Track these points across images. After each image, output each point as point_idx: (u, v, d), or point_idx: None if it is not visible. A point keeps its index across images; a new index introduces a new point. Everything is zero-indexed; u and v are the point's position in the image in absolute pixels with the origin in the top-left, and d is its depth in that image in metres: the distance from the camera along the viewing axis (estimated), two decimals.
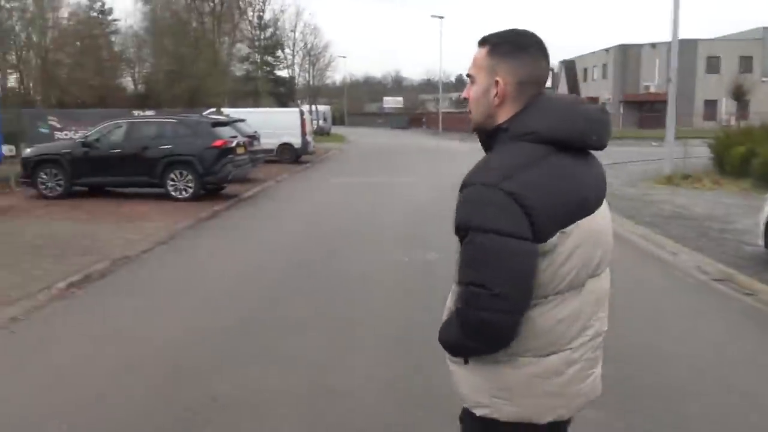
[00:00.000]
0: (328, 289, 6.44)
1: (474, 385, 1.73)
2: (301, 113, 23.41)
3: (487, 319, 1.57)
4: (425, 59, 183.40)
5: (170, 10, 46.12)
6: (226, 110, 21.82)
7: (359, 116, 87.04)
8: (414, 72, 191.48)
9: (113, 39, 51.26)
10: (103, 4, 51.41)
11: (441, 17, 52.21)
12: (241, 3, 20.50)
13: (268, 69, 49.21)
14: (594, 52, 54.77)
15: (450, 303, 1.77)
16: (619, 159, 23.51)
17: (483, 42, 1.76)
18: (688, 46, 47.61)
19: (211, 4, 18.14)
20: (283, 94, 46.23)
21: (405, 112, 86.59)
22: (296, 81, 41.75)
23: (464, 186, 1.63)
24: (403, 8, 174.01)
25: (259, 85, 42.12)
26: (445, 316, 1.78)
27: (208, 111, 23.04)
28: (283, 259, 7.97)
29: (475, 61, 1.75)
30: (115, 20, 52.50)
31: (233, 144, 13.15)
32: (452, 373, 1.80)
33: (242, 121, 16.20)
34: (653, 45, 49.12)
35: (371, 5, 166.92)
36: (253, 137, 15.96)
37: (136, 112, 26.03)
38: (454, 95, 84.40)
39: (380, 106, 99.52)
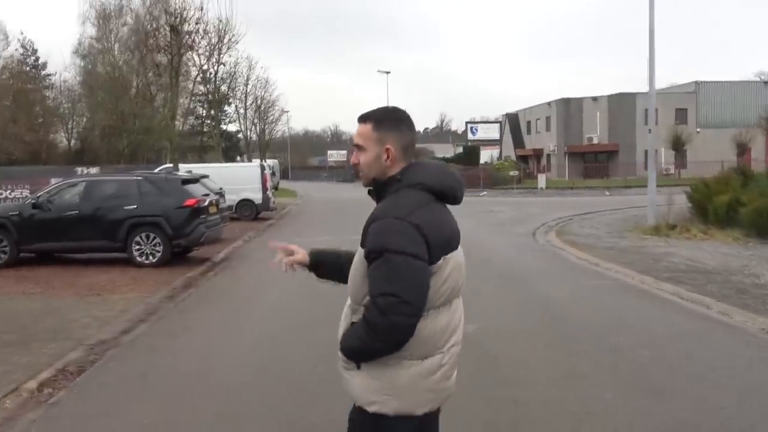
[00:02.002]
0: None
1: (366, 386, 2.11)
2: (262, 168, 22.27)
3: (398, 322, 2.00)
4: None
5: (110, 65, 44.51)
6: (184, 166, 20.43)
7: (303, 170, 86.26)
8: (353, 126, 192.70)
9: (47, 94, 49.04)
10: (37, 59, 49.39)
11: (387, 72, 52.69)
12: (195, 55, 19.69)
13: (213, 123, 47.92)
14: (537, 105, 56.16)
15: (348, 319, 2.17)
16: (584, 209, 23.43)
17: (365, 119, 2.23)
18: (628, 100, 49.55)
19: (166, 58, 17.19)
20: (229, 148, 44.85)
21: (348, 165, 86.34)
22: (247, 135, 40.52)
23: (375, 219, 2.06)
24: (338, 61, 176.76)
25: (209, 139, 40.72)
26: (342, 329, 2.18)
27: (163, 167, 21.65)
28: (291, 328, 6.80)
29: (363, 134, 2.21)
30: (48, 75, 50.38)
31: (206, 203, 11.92)
32: (345, 379, 2.19)
33: (206, 177, 14.96)
34: (594, 98, 50.77)
35: (303, 59, 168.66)
36: (220, 194, 14.73)
37: (79, 169, 24.40)
38: None
39: (322, 159, 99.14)
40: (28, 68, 47.87)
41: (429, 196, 2.13)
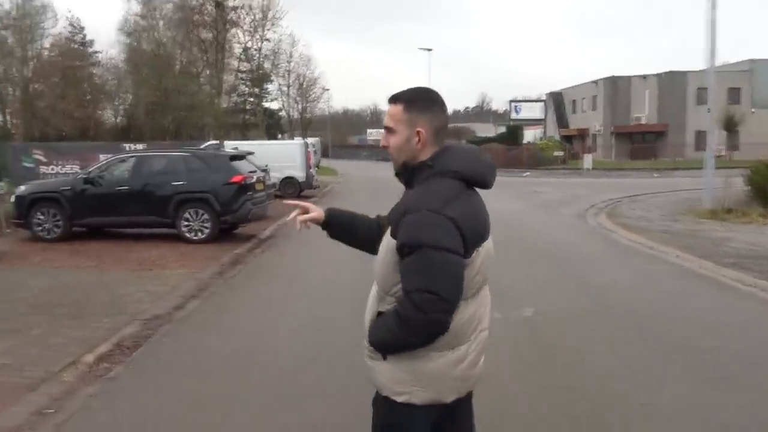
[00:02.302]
0: None
1: (393, 377, 2.11)
2: (305, 145, 22.23)
3: (435, 319, 1.97)
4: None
5: (154, 42, 45.02)
6: (228, 143, 20.52)
7: (342, 149, 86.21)
8: None
9: (94, 71, 49.95)
10: (84, 36, 50.22)
11: (429, 50, 51.81)
12: (239, 32, 19.58)
13: (256, 101, 48.18)
14: (583, 84, 54.73)
15: (374, 307, 2.16)
16: (633, 191, 22.77)
17: (395, 100, 2.16)
18: (679, 78, 47.87)
19: (211, 34, 17.11)
20: (271, 125, 45.04)
21: None
22: (290, 113, 40.57)
23: (409, 211, 2.00)
24: (377, 39, 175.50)
25: (252, 116, 40.91)
26: (369, 316, 2.18)
27: (208, 143, 21.80)
28: (341, 307, 6.70)
29: (393, 116, 2.15)
30: (95, 52, 51.24)
31: (253, 180, 11.90)
32: (370, 368, 2.18)
33: (252, 154, 14.94)
34: (643, 77, 49.19)
35: (344, 36, 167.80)
36: (265, 171, 14.70)
37: (126, 146, 24.72)
38: None
39: (362, 138, 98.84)
40: (75, 46, 48.78)
41: (461, 184, 2.08)
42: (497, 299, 7.07)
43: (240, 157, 12.41)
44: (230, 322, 6.47)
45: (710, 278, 8.44)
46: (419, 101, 2.13)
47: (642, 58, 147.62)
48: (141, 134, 43.28)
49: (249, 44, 22.22)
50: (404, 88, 2.19)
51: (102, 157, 23.53)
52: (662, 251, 10.39)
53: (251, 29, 19.73)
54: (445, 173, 2.07)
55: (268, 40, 23.75)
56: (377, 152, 77.67)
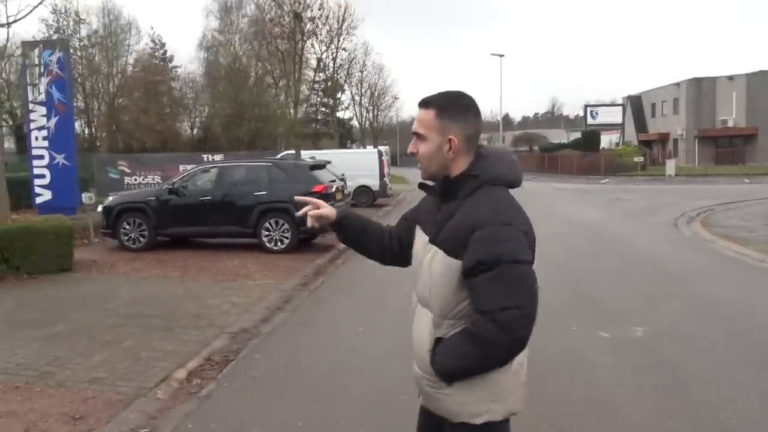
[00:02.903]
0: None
1: (467, 401, 1.97)
2: (380, 154, 22.07)
3: (521, 336, 1.86)
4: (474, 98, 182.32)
5: (231, 56, 46.27)
6: (305, 152, 20.63)
7: (411, 157, 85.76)
8: None
9: (173, 85, 51.78)
10: (165, 52, 52.12)
11: (501, 55, 50.98)
12: (315, 43, 19.81)
13: (328, 111, 48.66)
14: (663, 87, 52.40)
15: (430, 334, 2.00)
16: (725, 198, 21.42)
17: (426, 104, 2.00)
18: None
19: (289, 45, 17.29)
20: (342, 134, 45.36)
21: None
22: (362, 121, 40.75)
23: (483, 226, 1.85)
24: (446, 44, 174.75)
25: (323, 126, 41.33)
26: (423, 344, 2.02)
27: (284, 153, 21.99)
28: None
29: (424, 122, 1.99)
30: (175, 67, 53.10)
31: (333, 189, 11.76)
32: (435, 398, 2.03)
33: (329, 163, 14.86)
34: (730, 77, 46.59)
35: (414, 42, 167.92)
36: (343, 180, 14.57)
37: (205, 156, 25.32)
38: (518, 132, 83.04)
39: None
40: (156, 61, 50.70)
41: (506, 189, 2.02)
42: (599, 316, 6.60)
43: (320, 166, 12.31)
44: (319, 338, 6.23)
45: None
46: (452, 107, 2.00)
47: (726, 58, 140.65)
48: (217, 145, 44.53)
49: (324, 55, 22.44)
50: (436, 92, 2.05)
51: (182, 167, 24.39)
52: None
53: (327, 39, 19.96)
54: (494, 182, 1.98)
55: (344, 49, 23.94)
56: None
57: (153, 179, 23.12)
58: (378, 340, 6.07)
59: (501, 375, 1.97)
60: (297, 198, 2.45)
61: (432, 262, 1.98)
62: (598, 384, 4.75)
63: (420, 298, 2.07)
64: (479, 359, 1.89)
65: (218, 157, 25.69)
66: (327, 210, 2.31)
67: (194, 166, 14.89)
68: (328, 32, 19.76)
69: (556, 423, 4.11)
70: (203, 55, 49.86)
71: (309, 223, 2.31)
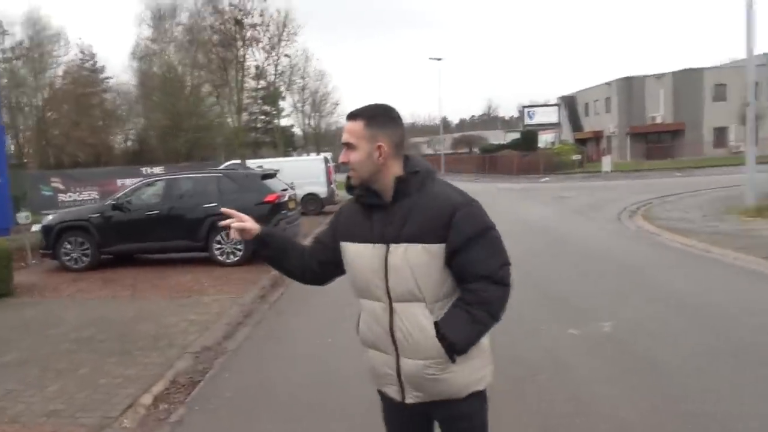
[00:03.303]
0: (514, 384, 4.70)
1: (470, 371, 2.15)
2: (326, 161, 21.87)
3: (510, 284, 2.16)
4: (410, 103, 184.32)
5: (165, 65, 45.09)
6: (250, 162, 20.22)
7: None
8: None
9: (105, 96, 50.07)
10: (95, 63, 50.38)
11: (439, 59, 51.52)
12: (255, 50, 19.41)
13: (268, 119, 48.01)
14: (596, 86, 54.18)
15: (427, 321, 2.11)
16: (661, 192, 22.22)
17: (355, 116, 2.16)
18: (694, 75, 47.33)
19: (231, 53, 16.90)
20: (283, 142, 44.80)
21: None
22: (304, 129, 40.38)
23: (460, 207, 2.09)
24: (378, 49, 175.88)
25: (266, 135, 40.69)
26: (423, 336, 2.10)
27: (229, 163, 21.49)
28: None
29: (353, 132, 2.14)
30: (106, 78, 51.41)
31: (286, 198, 11.53)
32: (442, 380, 2.13)
33: (278, 171, 14.58)
34: (658, 76, 48.60)
35: (350, 47, 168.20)
36: (292, 188, 14.32)
37: (144, 169, 24.52)
38: (457, 135, 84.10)
39: None
40: (86, 72, 48.87)
41: None
42: (565, 314, 6.65)
43: (270, 175, 12.05)
44: (288, 352, 6.03)
45: None
46: (379, 117, 2.17)
47: (653, 57, 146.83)
48: (153, 158, 43.25)
49: (266, 62, 22.16)
50: (362, 105, 2.23)
51: (120, 182, 23.50)
52: (721, 254, 9.88)
53: (268, 46, 19.73)
54: (431, 174, 2.19)
55: (287, 56, 23.59)
56: None
57: (89, 195, 22.19)
58: (350, 351, 5.88)
59: (484, 339, 2.19)
60: (223, 210, 2.47)
61: (407, 258, 2.08)
62: (577, 383, 4.75)
63: (400, 296, 2.12)
64: (488, 319, 2.11)
65: (158, 169, 24.89)
66: (251, 224, 2.37)
67: (136, 179, 14.33)
68: (269, 39, 19.43)
69: (542, 425, 4.07)
70: (136, 65, 48.39)
71: (232, 234, 2.37)
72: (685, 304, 6.93)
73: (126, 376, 5.44)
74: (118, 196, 11.55)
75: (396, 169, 2.16)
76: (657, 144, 48.44)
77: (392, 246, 2.11)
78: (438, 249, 2.07)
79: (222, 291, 8.97)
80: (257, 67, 28.50)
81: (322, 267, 2.40)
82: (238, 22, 17.10)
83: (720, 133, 47.00)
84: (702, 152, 45.03)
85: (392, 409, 2.32)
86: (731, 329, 5.89)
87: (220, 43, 17.74)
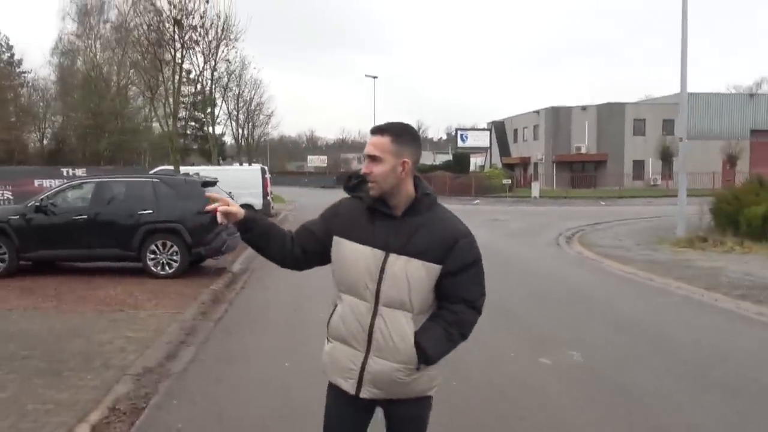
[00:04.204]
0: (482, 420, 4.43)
1: (430, 376, 2.37)
2: (263, 171, 21.22)
3: (481, 313, 2.41)
4: (341, 119, 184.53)
5: (90, 62, 43.01)
6: (185, 168, 19.31)
7: (282, 175, 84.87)
8: (329, 131, 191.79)
9: (21, 92, 47.26)
10: (12, 55, 47.52)
11: (375, 77, 51.73)
12: (194, 54, 18.60)
13: (198, 126, 46.54)
14: (525, 114, 55.84)
15: (410, 329, 2.28)
16: (590, 219, 22.87)
17: (382, 131, 2.31)
18: (617, 109, 49.57)
19: (169, 54, 16.09)
20: (210, 151, 43.45)
21: (328, 171, 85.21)
22: (239, 138, 39.28)
23: (463, 236, 2.33)
24: (307, 66, 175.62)
25: (195, 142, 39.31)
26: (408, 343, 2.27)
27: (160, 168, 20.48)
28: None
29: (380, 146, 2.28)
30: (24, 72, 48.60)
31: None
32: (405, 383, 2.31)
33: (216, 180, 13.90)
34: (583, 107, 50.59)
35: (275, 62, 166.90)
36: (233, 198, 13.66)
37: (65, 170, 23.07)
38: None
39: (300, 164, 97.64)
40: (1, 65, 45.96)
41: None
42: (531, 341, 6.47)
43: (211, 183, 11.40)
44: (242, 378, 5.52)
45: (734, 312, 8.09)
46: (406, 135, 2.32)
47: (575, 91, 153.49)
48: (72, 159, 40.97)
49: (204, 66, 21.33)
50: (386, 121, 2.37)
51: (37, 182, 21.96)
52: (664, 282, 10.07)
53: (206, 50, 18.96)
54: (435, 199, 2.37)
55: (228, 60, 22.87)
56: (318, 179, 76.98)
57: (2, 195, 20.59)
58: (310, 376, 5.47)
59: None
60: (208, 194, 2.52)
61: (407, 269, 2.25)
62: (563, 417, 4.53)
63: (389, 302, 2.27)
64: (459, 339, 2.34)
65: (80, 171, 23.48)
66: (236, 208, 2.41)
67: (57, 181, 13.32)
68: (209, 43, 18.71)
69: None
70: (57, 61, 45.92)
71: (219, 219, 2.39)
72: (643, 332, 6.92)
73: (57, 401, 4.80)
74: (41, 197, 10.61)
75: (409, 185, 2.33)
76: (581, 173, 50.28)
77: (393, 256, 2.26)
78: (435, 269, 2.26)
79: (158, 306, 8.30)
80: (188, 72, 27.53)
81: (306, 255, 2.48)
82: (178, 23, 16.35)
83: (638, 166, 49.33)
84: (623, 183, 47.04)
85: (339, 401, 2.43)
86: (691, 356, 5.87)
87: (156, 42, 16.89)
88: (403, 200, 2.31)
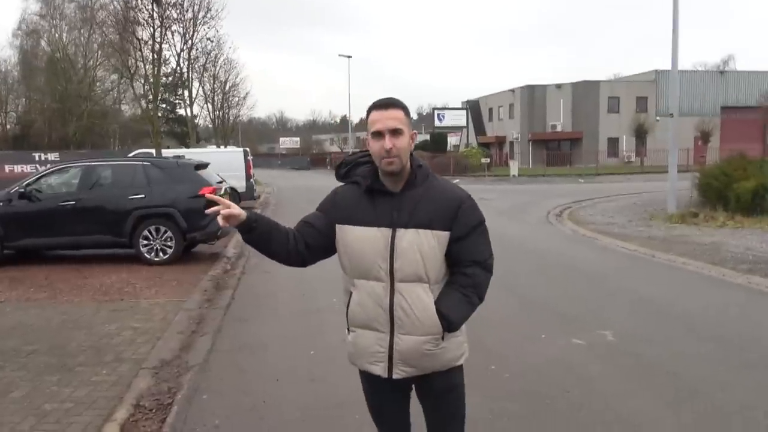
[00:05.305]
0: (518, 408, 4.27)
1: (456, 345, 2.39)
2: (245, 153, 20.71)
3: (492, 273, 2.45)
4: (312, 100, 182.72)
5: (55, 43, 41.53)
6: (167, 151, 18.72)
7: (256, 157, 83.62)
8: (298, 113, 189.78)
9: None
10: None
11: (349, 57, 51.11)
12: (170, 34, 17.91)
13: (169, 108, 45.41)
14: (500, 92, 55.74)
15: (429, 299, 2.29)
16: (574, 197, 22.93)
17: (395, 105, 2.32)
18: (592, 87, 49.77)
19: (148, 32, 15.48)
20: (186, 134, 42.43)
21: (301, 153, 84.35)
22: (215, 120, 38.29)
23: (465, 200, 2.36)
24: (278, 46, 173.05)
25: (170, 124, 38.26)
26: (425, 314, 2.28)
27: (139, 151, 19.84)
28: None
29: (399, 119, 2.28)
30: None
31: (222, 191, 10.56)
32: (435, 354, 2.32)
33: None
34: (558, 86, 50.67)
35: (245, 42, 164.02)
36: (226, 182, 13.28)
37: (36, 155, 22.30)
38: (361, 134, 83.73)
39: (271, 146, 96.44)
40: None
41: None
42: (558, 322, 6.32)
43: (203, 165, 11.00)
44: (268, 368, 5.23)
45: (742, 285, 8.07)
46: (407, 109, 2.34)
47: (547, 71, 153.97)
48: (38, 143, 39.68)
49: (183, 46, 20.61)
50: (384, 96, 2.36)
51: (8, 167, 21.15)
52: (668, 259, 10.02)
53: (182, 30, 18.28)
54: (429, 169, 2.39)
55: (209, 39, 22.09)
56: (292, 161, 76.04)
57: None
58: (339, 363, 5.23)
59: None
60: (208, 196, 2.55)
61: (417, 242, 2.26)
62: (606, 397, 4.38)
63: (405, 277, 2.27)
64: (477, 301, 2.37)
65: (52, 156, 22.74)
66: (237, 210, 2.33)
67: (32, 166, 12.75)
68: (191, 20, 18.03)
69: None
70: (20, 42, 44.22)
71: (221, 223, 2.31)
72: (666, 310, 6.82)
73: (76, 400, 4.50)
74: (25, 182, 10.09)
75: (409, 159, 2.34)
76: (557, 151, 50.42)
77: (400, 230, 2.27)
78: (444, 236, 2.29)
79: (159, 294, 7.97)
80: (158, 53, 26.73)
81: (309, 250, 2.46)
82: (157, 1, 15.71)
83: (612, 143, 49.73)
84: (597, 161, 47.39)
85: (374, 387, 2.46)
86: (720, 333, 5.78)
87: (134, 20, 16.22)
88: (405, 174, 2.31)
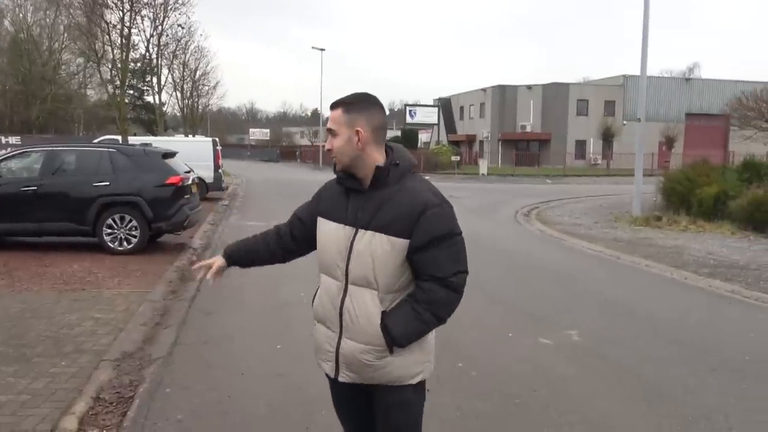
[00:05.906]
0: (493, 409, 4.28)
1: (408, 362, 2.22)
2: (215, 143, 20.41)
3: (462, 293, 2.22)
4: (283, 93, 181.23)
5: (19, 23, 40.37)
6: (134, 139, 18.32)
7: (225, 148, 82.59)
8: (269, 104, 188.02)
9: None
10: None
11: (322, 49, 50.75)
12: (140, 19, 17.50)
13: (136, 95, 44.50)
14: (472, 91, 56.05)
15: (376, 308, 2.18)
16: (543, 197, 23.22)
17: (336, 105, 2.24)
18: (562, 89, 50.37)
19: (117, 16, 15.11)
20: (153, 121, 41.69)
21: (270, 144, 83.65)
22: (184, 109, 37.64)
23: (431, 206, 2.15)
24: (249, 38, 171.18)
25: (136, 111, 37.46)
26: (370, 322, 2.18)
27: (104, 138, 19.40)
28: None
29: (335, 119, 2.22)
30: None
31: (189, 181, 10.37)
32: (379, 367, 2.20)
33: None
34: (529, 87, 51.17)
35: (216, 31, 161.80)
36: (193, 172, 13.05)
37: (2, 139, 21.71)
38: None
39: (240, 137, 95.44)
40: None
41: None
42: (525, 322, 6.37)
43: (171, 154, 10.78)
44: (234, 362, 5.15)
45: (705, 290, 8.24)
46: (358, 103, 2.23)
47: (522, 70, 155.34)
48: (0, 126, 38.60)
49: (153, 31, 20.20)
50: (359, 91, 2.30)
51: None
52: (632, 261, 10.20)
53: (152, 15, 17.92)
54: (410, 169, 2.24)
55: (180, 26, 21.68)
56: (261, 152, 75.34)
57: None
58: (306, 358, 5.17)
59: (430, 336, 2.28)
60: (194, 269, 2.72)
61: (371, 245, 2.15)
62: (573, 397, 4.42)
63: (356, 280, 2.20)
64: (432, 320, 2.17)
65: (14, 139, 22.16)
66: (219, 261, 2.53)
67: (17, 149, 12.35)
68: (162, 5, 17.67)
69: None
70: None
71: (211, 282, 2.60)
72: (631, 311, 6.93)
73: (33, 392, 4.36)
74: None
75: (377, 156, 2.22)
76: (526, 151, 50.95)
77: (360, 231, 2.19)
78: (401, 243, 2.14)
79: (123, 284, 7.79)
80: (128, 37, 26.17)
81: (296, 242, 2.51)
82: None
83: (580, 146, 50.45)
84: (565, 162, 48.04)
85: (331, 384, 2.44)
86: (683, 337, 5.89)
87: (102, 3, 15.82)
88: (369, 172, 2.22)
